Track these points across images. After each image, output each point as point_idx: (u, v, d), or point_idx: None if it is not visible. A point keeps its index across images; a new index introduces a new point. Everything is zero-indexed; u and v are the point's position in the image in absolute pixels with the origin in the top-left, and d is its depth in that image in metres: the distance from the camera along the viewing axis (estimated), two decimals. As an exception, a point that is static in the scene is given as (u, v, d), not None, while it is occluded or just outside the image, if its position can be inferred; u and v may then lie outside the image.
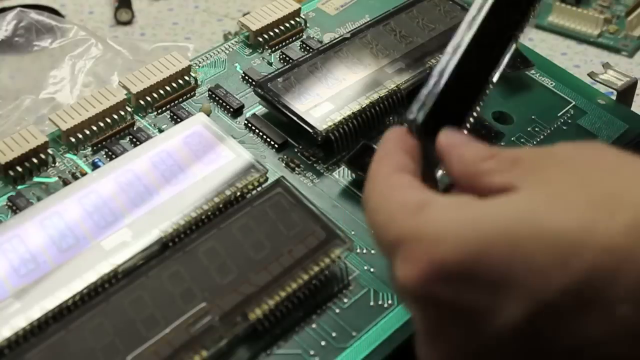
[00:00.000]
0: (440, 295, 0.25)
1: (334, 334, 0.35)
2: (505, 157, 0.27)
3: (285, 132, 0.42)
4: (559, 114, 0.46)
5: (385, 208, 0.27)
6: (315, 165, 0.41)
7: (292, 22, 0.48)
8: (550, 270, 0.23)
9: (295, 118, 0.41)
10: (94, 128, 0.41)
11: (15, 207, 0.37)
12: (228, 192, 0.37)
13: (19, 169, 0.39)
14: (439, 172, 0.31)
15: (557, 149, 0.27)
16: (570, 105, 0.46)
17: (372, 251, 0.38)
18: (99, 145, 0.41)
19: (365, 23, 0.47)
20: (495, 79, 0.33)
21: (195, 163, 0.38)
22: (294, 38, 0.48)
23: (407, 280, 0.25)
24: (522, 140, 0.44)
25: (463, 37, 0.32)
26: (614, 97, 0.47)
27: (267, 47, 0.47)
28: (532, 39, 0.63)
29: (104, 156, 0.40)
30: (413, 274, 0.25)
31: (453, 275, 0.24)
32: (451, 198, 0.27)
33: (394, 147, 0.30)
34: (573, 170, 0.26)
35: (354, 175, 0.41)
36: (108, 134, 0.41)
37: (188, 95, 0.44)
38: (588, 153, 0.27)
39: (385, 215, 0.27)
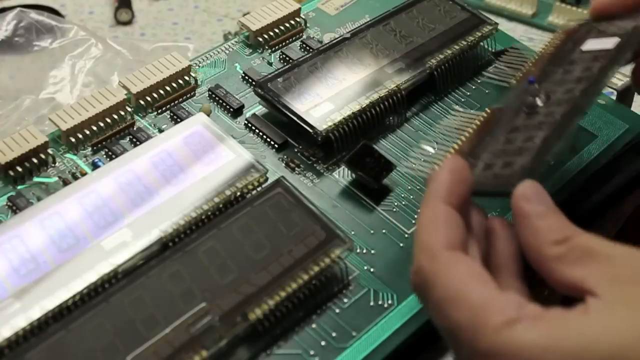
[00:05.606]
0: None
1: (334, 334, 0.35)
2: (577, 245, 0.28)
3: (285, 132, 0.42)
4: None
5: (467, 311, 0.28)
6: (315, 165, 0.41)
7: (292, 22, 0.48)
8: None
9: (295, 118, 0.41)
10: (94, 128, 0.41)
11: (15, 207, 0.37)
12: (228, 192, 0.37)
13: (19, 169, 0.39)
14: None
15: (634, 251, 0.28)
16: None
17: (372, 251, 0.38)
18: (99, 145, 0.41)
19: (365, 23, 0.47)
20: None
21: (195, 163, 0.38)
22: (294, 38, 0.48)
23: None
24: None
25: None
26: (614, 97, 0.47)
27: (267, 47, 0.47)
28: (533, 39, 0.63)
29: (104, 156, 0.40)
30: None
31: None
32: (536, 317, 0.27)
33: (447, 212, 0.30)
34: None
35: (354, 175, 0.41)
36: (108, 134, 0.41)
37: (188, 95, 0.44)
38: None
39: (467, 319, 0.28)
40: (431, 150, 0.36)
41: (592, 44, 0.39)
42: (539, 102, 0.36)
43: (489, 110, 0.37)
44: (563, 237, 0.29)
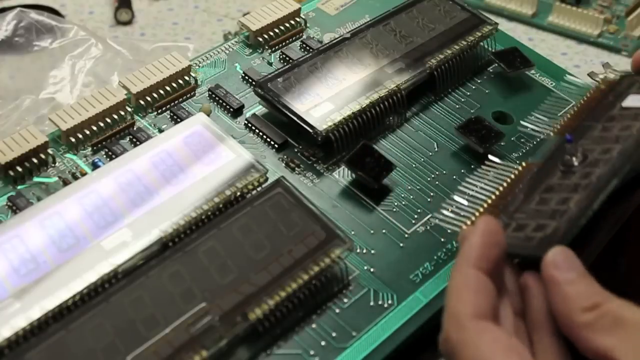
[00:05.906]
0: None
1: (334, 334, 0.35)
2: (607, 313, 0.28)
3: (285, 132, 0.42)
4: (559, 114, 0.46)
5: None
6: (315, 165, 0.41)
7: (292, 22, 0.48)
8: None
9: (295, 118, 0.41)
10: (94, 128, 0.41)
11: (15, 207, 0.37)
12: (228, 192, 0.37)
13: (19, 169, 0.39)
14: None
15: None
16: (570, 105, 0.46)
17: (372, 251, 0.38)
18: (99, 145, 0.41)
19: (365, 23, 0.47)
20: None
21: (195, 163, 0.38)
22: (294, 38, 0.48)
23: None
24: (522, 140, 0.44)
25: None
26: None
27: (267, 47, 0.47)
28: (532, 39, 0.63)
29: (104, 156, 0.40)
30: None
31: None
32: None
33: (477, 279, 0.30)
34: None
35: (354, 175, 0.41)
36: (108, 134, 0.41)
37: (188, 95, 0.44)
38: None
39: None
40: (464, 202, 0.36)
41: (632, 101, 0.38)
42: (575, 161, 0.35)
43: (524, 165, 0.37)
44: (592, 304, 0.29)
